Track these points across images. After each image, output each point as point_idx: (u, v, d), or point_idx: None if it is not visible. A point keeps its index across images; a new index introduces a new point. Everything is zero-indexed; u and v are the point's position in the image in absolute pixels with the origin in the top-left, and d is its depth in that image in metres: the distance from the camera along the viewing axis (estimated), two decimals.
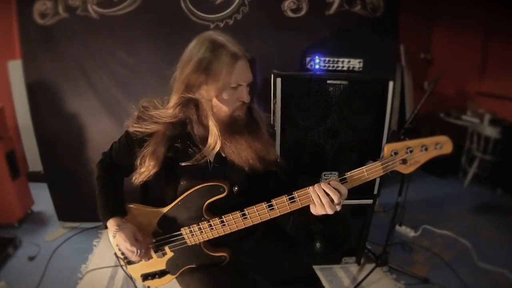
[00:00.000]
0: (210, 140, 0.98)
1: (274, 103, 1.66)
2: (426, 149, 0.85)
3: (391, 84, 1.69)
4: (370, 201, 1.88)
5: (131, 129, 1.03)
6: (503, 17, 3.49)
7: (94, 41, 2.13)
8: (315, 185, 0.90)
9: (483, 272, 2.03)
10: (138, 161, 1.00)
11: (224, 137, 0.97)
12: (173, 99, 0.98)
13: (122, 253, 1.09)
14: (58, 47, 2.13)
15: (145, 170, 1.00)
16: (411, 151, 0.86)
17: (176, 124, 0.99)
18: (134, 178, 1.03)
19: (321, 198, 0.89)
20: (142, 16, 2.09)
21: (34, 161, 3.04)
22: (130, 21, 2.10)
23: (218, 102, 0.95)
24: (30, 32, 2.12)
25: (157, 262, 1.12)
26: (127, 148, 1.06)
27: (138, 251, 1.03)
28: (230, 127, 0.98)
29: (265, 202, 0.95)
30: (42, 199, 2.69)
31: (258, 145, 1.01)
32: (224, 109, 0.96)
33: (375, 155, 1.70)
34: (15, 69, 2.91)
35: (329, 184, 0.89)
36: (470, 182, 3.37)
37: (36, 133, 2.31)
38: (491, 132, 3.19)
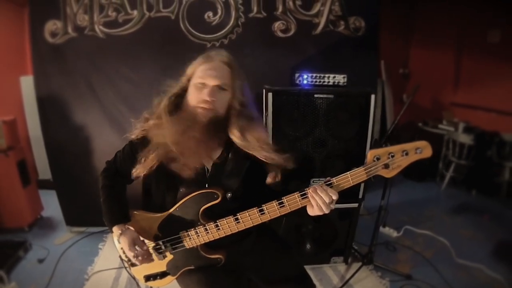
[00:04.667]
0: None
1: (266, 116, 1.66)
2: (407, 154, 0.85)
3: (373, 97, 1.70)
4: (355, 205, 1.88)
5: (133, 137, 1.04)
6: (474, 34, 3.57)
7: (101, 58, 2.13)
8: (310, 188, 0.90)
9: (462, 267, 2.04)
10: (140, 160, 0.99)
11: (177, 131, 0.95)
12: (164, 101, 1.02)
13: (126, 256, 1.09)
14: (67, 64, 2.13)
15: (144, 168, 1.00)
16: (392, 156, 0.85)
17: (175, 133, 0.99)
18: (134, 170, 1.01)
19: (324, 198, 0.87)
20: (145, 36, 2.10)
21: (43, 169, 3.00)
22: (133, 40, 2.10)
23: (187, 94, 1.00)
24: (41, 50, 2.12)
25: (159, 264, 1.11)
26: (132, 156, 1.05)
27: (136, 255, 1.02)
28: (189, 124, 0.96)
29: (256, 208, 0.94)
30: (51, 205, 2.64)
31: (210, 144, 1.01)
32: (190, 106, 0.98)
33: (360, 162, 1.66)
34: (27, 84, 2.91)
35: (321, 186, 0.88)
36: (447, 185, 3.39)
37: (46, 143, 2.29)
38: (465, 139, 3.22)
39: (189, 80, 1.01)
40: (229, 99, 1.00)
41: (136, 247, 1.02)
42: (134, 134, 1.04)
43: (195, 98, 0.97)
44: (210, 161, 1.04)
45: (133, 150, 1.05)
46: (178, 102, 1.01)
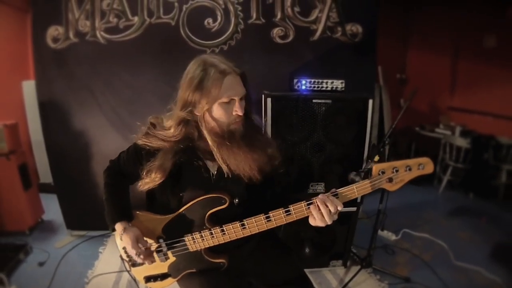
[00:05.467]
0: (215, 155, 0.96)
1: (265, 121, 1.66)
2: (410, 169, 0.87)
3: (370, 102, 1.71)
4: (354, 209, 1.87)
5: (140, 142, 1.01)
6: (470, 39, 3.59)
7: (101, 64, 2.13)
8: (315, 199, 0.89)
9: (460, 270, 2.03)
10: (144, 173, 0.99)
11: (221, 150, 0.95)
12: (174, 118, 0.97)
13: (127, 255, 1.10)
14: (68, 69, 2.13)
15: (151, 181, 0.99)
16: (396, 171, 0.87)
17: (180, 141, 0.98)
18: (139, 184, 1.01)
19: (322, 211, 0.87)
20: (145, 42, 2.10)
21: (44, 173, 3.00)
22: (134, 46, 2.10)
23: (211, 117, 0.95)
24: (43, 55, 2.12)
25: (160, 266, 1.11)
26: (135, 158, 1.05)
27: (139, 253, 1.02)
28: (228, 141, 0.96)
29: (263, 214, 0.94)
30: (51, 208, 2.63)
31: (256, 156, 0.98)
32: (220, 124, 0.95)
33: (358, 166, 1.69)
34: (29, 89, 2.91)
35: (328, 197, 0.88)
36: (445, 188, 3.39)
37: (47, 147, 2.28)
38: (462, 142, 3.23)
39: (213, 101, 0.93)
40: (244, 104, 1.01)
41: (139, 245, 1.02)
42: (141, 140, 1.02)
43: (226, 116, 0.94)
44: (216, 165, 1.03)
45: (138, 153, 1.04)
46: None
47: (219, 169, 1.02)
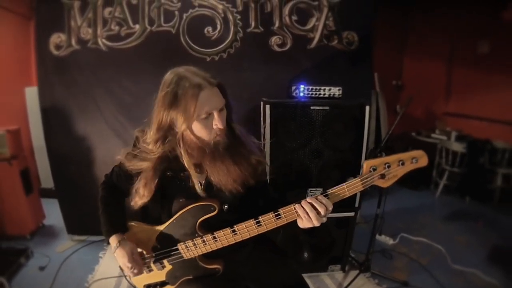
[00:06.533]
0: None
1: (264, 127, 1.67)
2: (403, 164, 0.83)
3: (367, 108, 1.71)
4: (352, 214, 1.87)
5: (126, 164, 1.00)
6: (464, 45, 3.62)
7: (103, 70, 2.13)
8: (302, 201, 0.88)
9: (457, 273, 2.03)
10: (134, 191, 0.99)
11: (205, 164, 0.95)
12: (150, 135, 0.94)
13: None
14: (70, 76, 2.13)
15: (140, 199, 0.99)
16: (388, 166, 0.84)
17: (164, 157, 0.95)
18: (132, 203, 1.02)
19: (309, 213, 0.86)
20: (146, 50, 2.11)
21: (46, 178, 2.99)
22: (135, 53, 2.11)
23: (193, 135, 0.91)
24: (45, 62, 2.13)
25: (158, 274, 1.11)
26: (126, 173, 1.04)
27: (133, 268, 1.01)
28: (211, 155, 0.94)
29: (253, 219, 0.92)
30: (53, 213, 2.62)
31: (241, 168, 0.97)
32: (202, 140, 0.93)
33: (356, 172, 1.67)
34: (32, 95, 2.91)
35: (316, 198, 0.87)
36: (441, 192, 3.38)
37: (49, 153, 2.28)
38: (457, 147, 3.23)
39: (190, 119, 0.88)
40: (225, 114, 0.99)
41: (134, 257, 1.02)
42: (127, 164, 0.99)
43: (207, 131, 0.91)
44: (204, 175, 1.02)
45: (126, 170, 1.02)
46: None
47: (206, 179, 1.01)
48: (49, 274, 1.99)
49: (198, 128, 0.91)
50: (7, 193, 2.31)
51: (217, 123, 0.90)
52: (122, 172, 1.07)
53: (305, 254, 1.93)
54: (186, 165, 0.94)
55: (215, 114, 0.90)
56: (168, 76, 0.92)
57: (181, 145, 0.92)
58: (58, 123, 2.20)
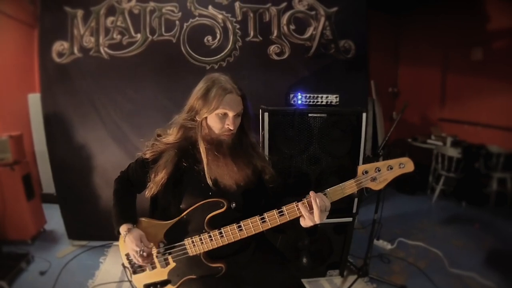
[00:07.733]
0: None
1: (263, 134, 1.67)
2: (391, 168, 0.92)
3: (364, 115, 1.72)
4: (350, 219, 1.87)
5: (146, 155, 1.09)
6: (458, 52, 3.66)
7: (104, 78, 2.15)
8: (303, 199, 0.95)
9: (455, 276, 2.02)
10: (152, 176, 1.05)
11: (209, 155, 1.03)
12: (176, 123, 1.08)
13: (129, 261, 1.12)
14: (72, 83, 2.15)
15: (155, 184, 1.05)
16: (379, 170, 0.92)
17: (181, 145, 1.07)
18: (147, 192, 1.08)
19: (309, 210, 0.92)
20: (147, 58, 2.12)
21: (47, 184, 2.99)
22: (136, 62, 2.13)
23: (206, 125, 1.05)
24: (48, 69, 2.14)
25: (160, 272, 1.11)
26: (143, 167, 1.11)
27: (142, 251, 1.03)
28: (215, 149, 1.05)
29: (258, 216, 0.98)
30: (54, 218, 2.61)
31: (238, 168, 1.06)
32: (212, 132, 1.05)
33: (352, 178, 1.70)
34: (34, 101, 2.92)
35: (316, 197, 0.93)
36: (438, 197, 3.38)
37: (51, 158, 2.28)
38: (453, 152, 3.24)
39: (212, 110, 1.03)
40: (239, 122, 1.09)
41: (142, 242, 1.04)
42: (147, 152, 1.09)
43: (218, 127, 1.04)
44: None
45: (145, 163, 1.11)
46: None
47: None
48: (49, 279, 1.97)
49: (213, 120, 1.03)
50: (9, 198, 2.30)
51: (229, 124, 1.03)
52: (139, 166, 1.15)
53: (304, 260, 1.92)
54: (201, 151, 1.04)
55: (230, 116, 1.03)
56: (208, 76, 1.08)
57: (200, 130, 1.05)
58: (60, 130, 2.21)
